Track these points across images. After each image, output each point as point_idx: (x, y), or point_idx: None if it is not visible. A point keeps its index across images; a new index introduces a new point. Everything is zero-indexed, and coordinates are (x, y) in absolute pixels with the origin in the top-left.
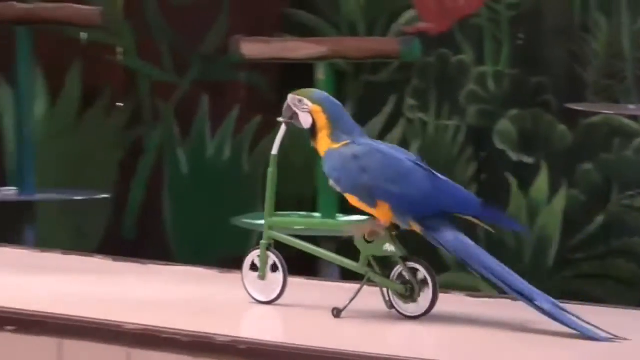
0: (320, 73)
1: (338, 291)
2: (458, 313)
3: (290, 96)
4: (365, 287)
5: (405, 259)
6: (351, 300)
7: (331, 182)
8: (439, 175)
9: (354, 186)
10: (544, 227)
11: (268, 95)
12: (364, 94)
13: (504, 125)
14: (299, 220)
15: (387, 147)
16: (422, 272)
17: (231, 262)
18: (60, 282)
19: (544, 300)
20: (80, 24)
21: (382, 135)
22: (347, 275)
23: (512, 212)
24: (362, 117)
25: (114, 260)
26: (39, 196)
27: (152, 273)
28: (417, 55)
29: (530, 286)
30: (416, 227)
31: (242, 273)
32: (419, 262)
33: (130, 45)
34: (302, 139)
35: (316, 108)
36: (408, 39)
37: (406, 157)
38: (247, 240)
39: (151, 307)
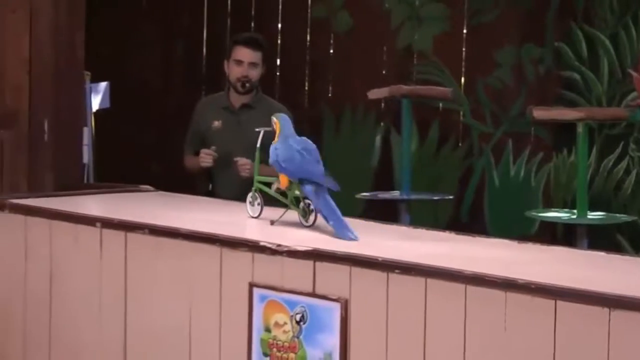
0: (579, 128)
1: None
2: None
3: (272, 117)
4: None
5: (304, 199)
6: (280, 217)
7: (269, 160)
8: (313, 161)
9: (273, 163)
10: None
11: (547, 140)
12: (605, 141)
13: None
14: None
15: (294, 144)
16: (312, 206)
17: (526, 237)
18: (425, 246)
19: (335, 220)
20: (438, 98)
21: (615, 164)
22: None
23: None
24: (604, 154)
25: (456, 234)
26: (412, 196)
27: (470, 242)
28: (637, 118)
29: (335, 215)
30: (297, 185)
31: (246, 202)
32: (311, 201)
33: (467, 110)
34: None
35: (277, 123)
36: (632, 108)
37: (301, 149)
38: (533, 224)
39: (480, 260)
